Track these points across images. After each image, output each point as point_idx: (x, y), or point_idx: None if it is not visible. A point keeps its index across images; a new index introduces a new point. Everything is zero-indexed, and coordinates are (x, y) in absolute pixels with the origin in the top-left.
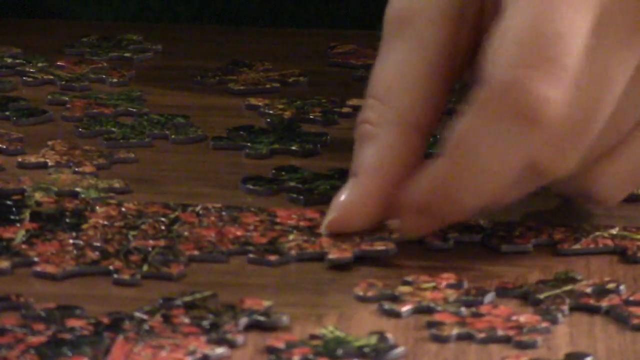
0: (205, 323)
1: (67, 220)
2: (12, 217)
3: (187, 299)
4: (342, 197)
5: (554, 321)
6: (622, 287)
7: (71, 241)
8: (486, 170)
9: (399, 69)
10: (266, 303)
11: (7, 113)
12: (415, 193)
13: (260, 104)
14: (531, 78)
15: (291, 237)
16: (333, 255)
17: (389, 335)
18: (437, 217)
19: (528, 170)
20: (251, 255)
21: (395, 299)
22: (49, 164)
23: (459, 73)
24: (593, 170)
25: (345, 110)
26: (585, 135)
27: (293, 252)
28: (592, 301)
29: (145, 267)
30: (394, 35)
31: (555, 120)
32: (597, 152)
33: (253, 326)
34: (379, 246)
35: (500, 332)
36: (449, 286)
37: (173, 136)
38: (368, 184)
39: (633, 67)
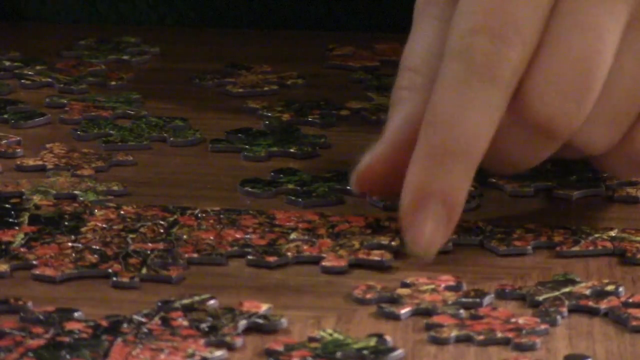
0: (204, 326)
1: (66, 223)
2: (10, 220)
3: (186, 301)
4: (367, 155)
5: (553, 323)
6: (621, 289)
7: (70, 244)
8: (463, 136)
9: (427, 42)
10: (265, 306)
11: (6, 116)
12: (411, 180)
13: (258, 106)
14: (481, 42)
15: (292, 236)
16: (327, 262)
17: (388, 338)
18: (447, 193)
19: (526, 129)
20: (250, 257)
21: (394, 301)
22: (48, 166)
23: None
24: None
25: (343, 112)
26: (586, 88)
27: (290, 255)
28: (591, 303)
29: (144, 270)
30: (422, 14)
31: (512, 77)
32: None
33: (252, 329)
34: (375, 256)
35: (499, 334)
36: (448, 288)
37: (171, 139)
38: (393, 138)
39: (624, 17)
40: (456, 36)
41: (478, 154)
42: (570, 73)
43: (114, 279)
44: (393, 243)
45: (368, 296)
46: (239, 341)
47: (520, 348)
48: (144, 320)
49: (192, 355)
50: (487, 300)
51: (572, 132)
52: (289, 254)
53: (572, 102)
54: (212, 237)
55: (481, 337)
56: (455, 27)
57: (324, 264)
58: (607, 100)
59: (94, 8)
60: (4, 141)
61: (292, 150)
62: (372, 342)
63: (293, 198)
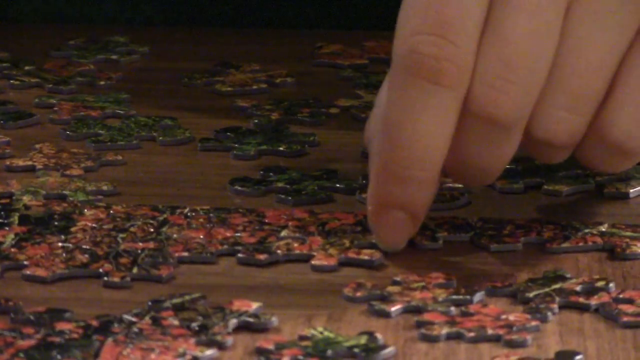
0: (195, 325)
1: (56, 223)
2: (0, 220)
3: (176, 301)
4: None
5: (544, 320)
6: (611, 285)
7: (60, 244)
8: (416, 143)
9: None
10: (255, 304)
11: None
12: (371, 192)
13: (247, 105)
14: (423, 43)
15: (282, 234)
16: (317, 261)
17: (379, 336)
18: (407, 204)
19: (477, 123)
20: (240, 255)
21: (385, 298)
22: (37, 167)
23: None
24: (604, 118)
25: (332, 110)
26: (530, 69)
27: (280, 252)
28: (581, 299)
29: (134, 270)
30: None
31: (459, 75)
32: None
33: (242, 328)
34: (365, 255)
35: (490, 331)
36: (438, 285)
37: (161, 138)
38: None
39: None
40: (399, 40)
41: (435, 159)
42: (514, 56)
43: (105, 278)
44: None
45: (358, 294)
46: (229, 340)
47: (511, 345)
48: (134, 319)
49: (183, 354)
50: (477, 297)
51: (521, 117)
52: (279, 251)
53: (516, 85)
54: (202, 236)
55: (472, 334)
56: (398, 30)
57: (314, 262)
58: (558, 83)
59: (83, 8)
60: None
61: (281, 148)
62: (363, 340)
63: (283, 196)
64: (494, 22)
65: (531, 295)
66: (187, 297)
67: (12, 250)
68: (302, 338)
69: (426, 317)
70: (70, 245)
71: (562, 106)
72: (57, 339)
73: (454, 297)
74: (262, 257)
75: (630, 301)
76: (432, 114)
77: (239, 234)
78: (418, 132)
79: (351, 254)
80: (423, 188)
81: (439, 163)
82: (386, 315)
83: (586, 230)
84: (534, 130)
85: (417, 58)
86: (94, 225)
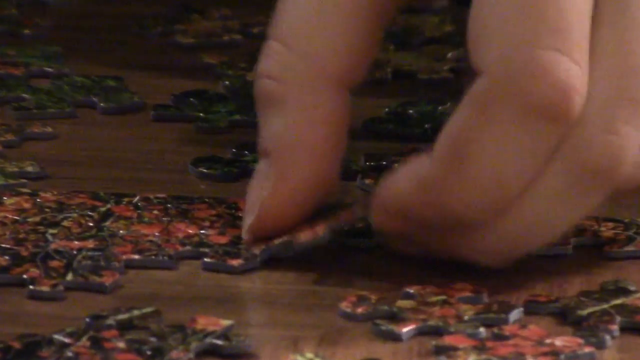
0: (146, 348)
1: None
2: None
3: (123, 317)
4: (258, 189)
5: (601, 345)
6: None
7: None
8: (486, 180)
9: (312, 2)
10: (225, 322)
11: None
12: (392, 193)
13: (216, 62)
14: (542, 57)
15: None
16: (302, 236)
17: None
18: (424, 227)
19: (574, 177)
20: (207, 260)
21: (394, 316)
22: None
23: (393, 10)
24: None
25: None
26: None
27: (258, 255)
28: None
29: (69, 276)
30: None
31: (578, 110)
32: None
33: (208, 352)
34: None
35: None
36: (464, 300)
37: (102, 104)
38: (287, 168)
39: None
40: (496, 50)
41: (498, 204)
42: None
43: (31, 287)
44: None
45: (360, 310)
46: None
47: None
48: (68, 341)
49: None
50: (514, 315)
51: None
52: (256, 252)
53: None
54: (157, 233)
55: None
56: (492, 31)
57: (297, 238)
58: None
59: None
60: None
61: None
62: None
63: None
64: (609, 34)
65: (584, 313)
66: (136, 313)
67: None
68: None
69: (448, 340)
70: None
71: None
72: None
73: (484, 315)
74: (235, 262)
75: None
76: (523, 154)
77: (204, 232)
78: (492, 173)
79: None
80: (467, 227)
81: (502, 210)
82: (396, 337)
83: None
84: None
85: (528, 78)
86: (15, 217)
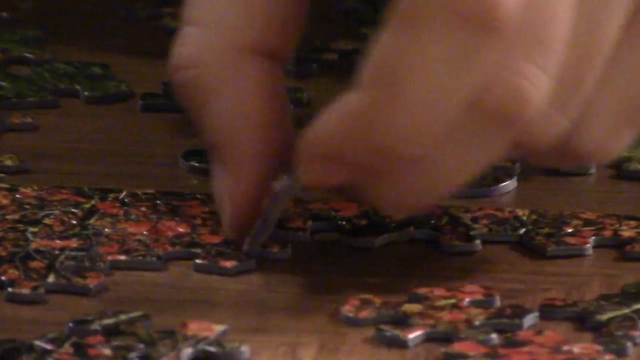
0: (134, 356)
1: None
2: None
3: (109, 321)
4: (220, 186)
5: (622, 353)
6: None
7: None
8: (420, 104)
9: None
10: (218, 328)
11: None
12: (320, 135)
13: None
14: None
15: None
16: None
17: None
18: (359, 169)
19: (488, 114)
20: (199, 261)
21: (400, 321)
22: None
23: None
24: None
25: (328, 56)
26: (579, 82)
27: (245, 246)
28: None
29: (50, 278)
30: None
31: (512, 24)
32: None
33: (200, 359)
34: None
35: None
36: (475, 303)
37: (86, 93)
38: (237, 154)
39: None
40: None
41: (434, 135)
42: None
43: (10, 289)
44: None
45: (363, 314)
46: None
47: None
48: (49, 347)
49: None
50: (529, 320)
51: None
52: (245, 247)
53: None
54: (145, 232)
55: None
56: None
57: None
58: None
59: None
60: None
61: None
62: None
63: None
64: None
65: (604, 318)
66: (123, 317)
67: None
68: None
69: (458, 347)
70: None
71: (556, 104)
72: None
73: (496, 320)
74: (228, 264)
75: None
76: (456, 72)
77: (195, 231)
78: (425, 96)
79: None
80: (401, 164)
81: (436, 143)
82: (402, 344)
83: None
84: (587, 147)
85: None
86: None
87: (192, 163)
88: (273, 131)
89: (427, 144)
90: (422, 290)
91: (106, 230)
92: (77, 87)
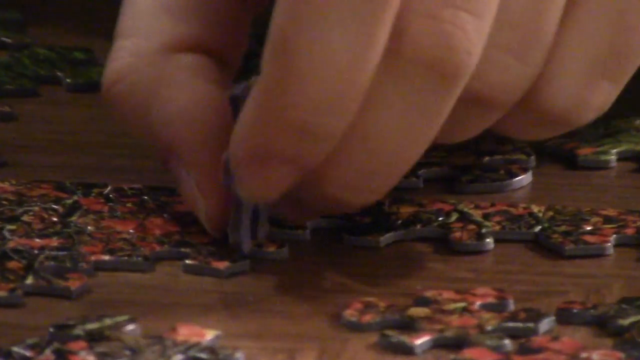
0: None
1: None
2: None
3: (92, 326)
4: (188, 193)
5: None
6: None
7: None
8: (322, 70)
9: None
10: (211, 332)
11: None
12: (241, 132)
13: None
14: None
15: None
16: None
17: None
18: (294, 162)
19: (412, 72)
20: (189, 262)
21: (406, 326)
22: None
23: None
24: (545, 84)
25: None
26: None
27: (234, 238)
28: None
29: (29, 279)
30: None
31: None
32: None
33: None
34: None
35: None
36: (486, 307)
37: (69, 80)
38: (193, 151)
39: None
40: None
41: (348, 106)
42: None
43: None
44: None
45: (366, 318)
46: None
47: None
48: (28, 354)
49: None
50: (545, 325)
51: (473, 64)
52: (237, 239)
53: (474, 16)
54: (131, 230)
55: None
56: None
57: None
58: (506, 20)
59: None
60: None
61: None
62: None
63: None
64: None
65: (626, 323)
66: (108, 322)
67: None
68: None
69: (468, 354)
70: None
71: (512, 50)
72: None
73: (510, 324)
74: (221, 265)
75: None
76: (354, 40)
77: (186, 229)
78: (331, 64)
79: None
80: (327, 141)
81: (352, 112)
82: (408, 350)
83: None
84: (471, 81)
85: None
86: None
87: None
88: (217, 117)
89: (342, 112)
90: (429, 293)
91: (89, 228)
92: (59, 73)
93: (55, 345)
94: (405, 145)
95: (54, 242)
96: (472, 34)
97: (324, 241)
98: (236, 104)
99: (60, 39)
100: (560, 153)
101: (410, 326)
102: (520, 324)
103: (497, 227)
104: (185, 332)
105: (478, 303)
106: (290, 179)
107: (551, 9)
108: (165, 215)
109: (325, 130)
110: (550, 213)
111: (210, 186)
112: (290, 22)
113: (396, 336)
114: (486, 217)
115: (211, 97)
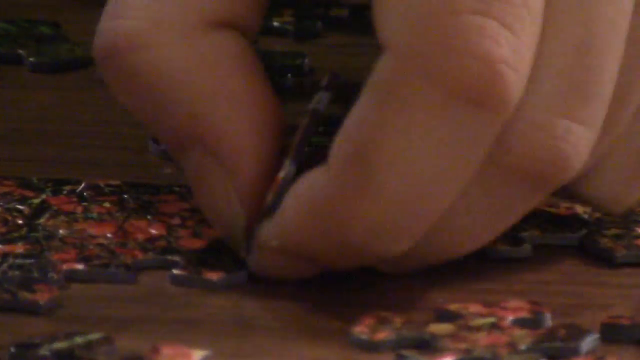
0: None
1: None
2: None
3: (61, 345)
4: (214, 183)
5: None
6: None
7: None
8: (400, 196)
9: None
10: (198, 353)
11: None
12: (280, 228)
13: None
14: (460, 22)
15: None
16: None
17: None
18: (319, 267)
19: (507, 179)
20: (177, 272)
21: (426, 344)
22: None
23: None
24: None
25: (336, 12)
26: (594, 100)
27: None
28: None
29: None
30: None
31: (513, 94)
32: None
33: None
34: None
35: None
36: (520, 322)
37: (32, 58)
38: (233, 143)
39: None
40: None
41: (430, 217)
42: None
43: None
44: None
45: (380, 336)
46: None
47: None
48: None
49: None
50: (587, 343)
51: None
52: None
53: (591, 127)
54: (109, 234)
55: None
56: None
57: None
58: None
59: None
60: None
61: None
62: None
63: None
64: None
65: None
66: (79, 340)
67: None
68: None
69: None
70: None
71: (632, 166)
72: None
73: (547, 343)
74: (214, 275)
75: None
76: (447, 153)
77: (172, 233)
78: (415, 185)
79: None
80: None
81: (422, 234)
82: None
83: None
84: (599, 197)
85: (444, 54)
86: None
87: (164, 147)
88: (266, 113)
89: (410, 238)
90: (453, 307)
91: (60, 232)
92: (21, 51)
93: None
94: (478, 244)
95: (19, 248)
96: (583, 149)
97: None
98: (317, 118)
99: (21, 12)
100: None
101: (430, 345)
102: (558, 343)
103: (537, 231)
104: (169, 353)
105: (510, 318)
106: (313, 273)
107: (625, 115)
108: (148, 216)
109: (380, 255)
110: (597, 214)
111: (253, 197)
112: (377, 134)
113: (415, 357)
114: (524, 219)
115: (255, 90)
